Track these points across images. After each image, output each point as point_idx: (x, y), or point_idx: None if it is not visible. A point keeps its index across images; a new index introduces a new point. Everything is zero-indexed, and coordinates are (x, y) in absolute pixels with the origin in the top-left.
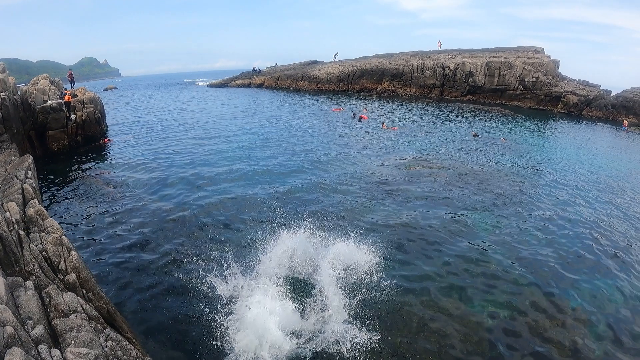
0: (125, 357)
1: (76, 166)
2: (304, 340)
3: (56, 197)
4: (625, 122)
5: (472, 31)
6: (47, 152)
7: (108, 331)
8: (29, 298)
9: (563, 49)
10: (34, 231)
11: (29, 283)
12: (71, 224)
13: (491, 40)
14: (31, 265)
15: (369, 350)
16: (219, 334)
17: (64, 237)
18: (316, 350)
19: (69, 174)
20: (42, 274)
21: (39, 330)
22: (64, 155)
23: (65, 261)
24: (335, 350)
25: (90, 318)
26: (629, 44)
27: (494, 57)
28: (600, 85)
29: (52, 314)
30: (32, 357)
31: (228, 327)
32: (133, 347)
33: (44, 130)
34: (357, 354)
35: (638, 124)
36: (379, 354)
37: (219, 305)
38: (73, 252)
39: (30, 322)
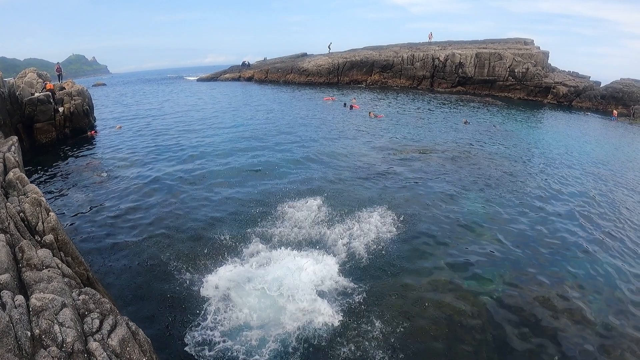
0: (97, 309)
1: (64, 157)
2: None
3: (42, 186)
4: (615, 112)
5: (463, 24)
6: (35, 145)
7: (83, 288)
8: None
9: (552, 42)
10: (13, 195)
11: (1, 236)
12: (57, 211)
13: (481, 34)
14: (6, 223)
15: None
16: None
17: (42, 198)
18: None
19: (56, 165)
20: (18, 233)
21: (4, 277)
22: (52, 148)
23: (43, 222)
24: None
25: (65, 276)
26: (617, 37)
27: (483, 48)
28: (589, 77)
29: (23, 269)
30: None
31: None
32: (107, 300)
33: (31, 123)
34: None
35: (627, 114)
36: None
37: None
38: (51, 213)
39: None
